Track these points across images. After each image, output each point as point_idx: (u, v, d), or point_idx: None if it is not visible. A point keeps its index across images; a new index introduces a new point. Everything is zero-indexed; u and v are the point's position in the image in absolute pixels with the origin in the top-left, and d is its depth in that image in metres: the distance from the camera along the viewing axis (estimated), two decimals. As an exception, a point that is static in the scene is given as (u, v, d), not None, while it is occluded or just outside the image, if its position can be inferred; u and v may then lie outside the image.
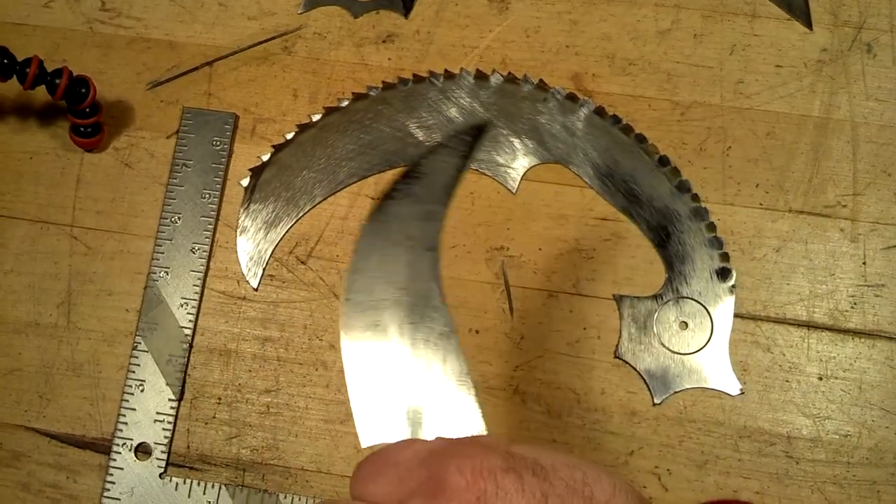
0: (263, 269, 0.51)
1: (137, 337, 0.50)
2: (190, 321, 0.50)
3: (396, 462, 0.29)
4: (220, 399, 0.49)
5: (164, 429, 0.48)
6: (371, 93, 0.53)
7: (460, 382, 0.32)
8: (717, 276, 0.50)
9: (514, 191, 0.52)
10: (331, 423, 0.49)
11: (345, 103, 0.53)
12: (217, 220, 0.52)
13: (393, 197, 0.34)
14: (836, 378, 0.49)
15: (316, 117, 0.53)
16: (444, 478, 0.28)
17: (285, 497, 0.47)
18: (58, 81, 0.49)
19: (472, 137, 0.35)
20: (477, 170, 0.52)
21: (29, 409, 0.49)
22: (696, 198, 0.51)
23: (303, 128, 0.53)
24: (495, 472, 0.27)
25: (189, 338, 0.50)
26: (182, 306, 0.50)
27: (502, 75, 0.53)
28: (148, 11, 0.56)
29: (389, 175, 0.52)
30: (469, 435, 0.32)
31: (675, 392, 0.49)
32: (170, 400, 0.49)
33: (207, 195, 0.52)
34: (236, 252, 0.51)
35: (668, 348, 0.49)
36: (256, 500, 0.47)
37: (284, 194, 0.52)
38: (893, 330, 0.49)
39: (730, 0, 0.55)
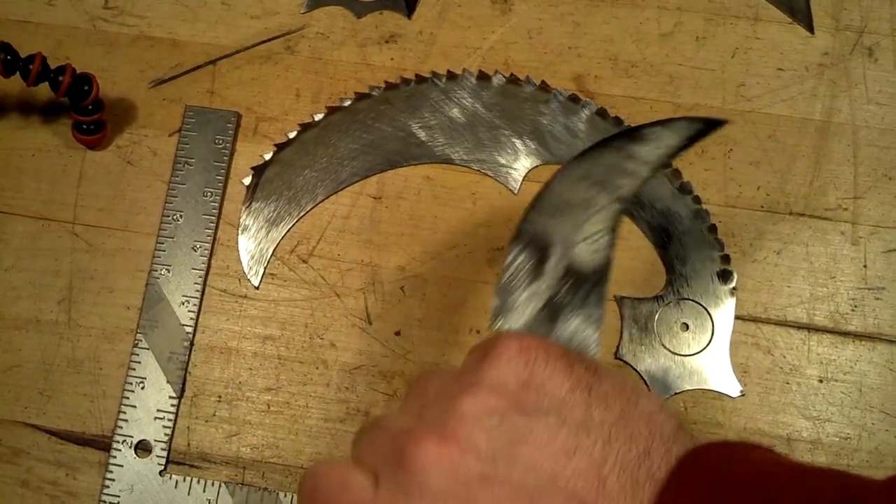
0: (265, 268, 0.51)
1: (138, 334, 0.50)
2: (191, 319, 0.50)
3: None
4: (220, 397, 0.49)
5: (164, 426, 0.48)
6: (373, 93, 0.53)
7: (590, 343, 0.32)
8: (718, 278, 0.50)
9: (515, 191, 0.52)
10: (331, 422, 0.49)
11: (347, 103, 0.53)
12: (219, 218, 0.52)
13: (609, 146, 0.34)
14: (837, 381, 0.49)
15: (318, 117, 0.53)
16: (497, 341, 0.29)
17: (285, 496, 0.47)
18: (61, 78, 0.49)
19: (699, 129, 0.35)
20: (478, 170, 0.52)
21: (29, 406, 0.49)
22: (697, 200, 0.51)
23: (305, 127, 0.53)
24: (549, 349, 0.28)
25: (190, 335, 0.50)
26: (183, 304, 0.50)
27: (504, 76, 0.53)
28: (151, 9, 0.56)
29: (391, 174, 0.52)
30: None
31: (676, 393, 0.49)
32: (170, 397, 0.49)
33: (209, 193, 0.52)
34: (238, 250, 0.51)
35: (668, 349, 0.49)
36: (256, 498, 0.47)
37: (286, 193, 0.52)
38: (894, 333, 0.49)
39: (732, 3, 0.55)
